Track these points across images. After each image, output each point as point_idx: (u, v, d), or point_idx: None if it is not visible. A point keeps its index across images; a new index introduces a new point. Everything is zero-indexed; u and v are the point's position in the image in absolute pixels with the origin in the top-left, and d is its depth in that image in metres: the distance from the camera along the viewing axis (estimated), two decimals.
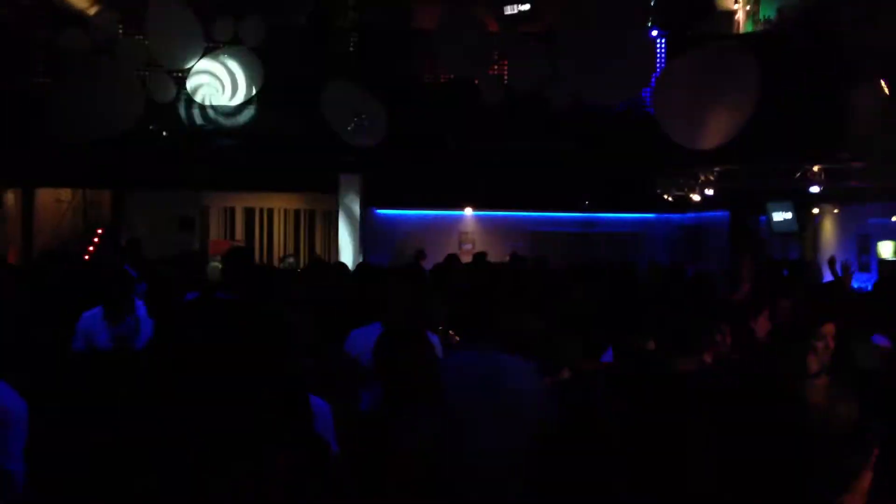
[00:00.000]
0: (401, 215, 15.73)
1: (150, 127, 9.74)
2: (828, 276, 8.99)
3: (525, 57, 9.89)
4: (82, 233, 15.43)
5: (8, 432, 3.50)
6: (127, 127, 9.81)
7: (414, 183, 13.30)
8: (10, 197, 14.52)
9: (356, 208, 12.52)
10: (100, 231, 15.33)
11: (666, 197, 11.52)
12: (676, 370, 3.42)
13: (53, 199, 15.30)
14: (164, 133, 9.66)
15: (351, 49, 10.32)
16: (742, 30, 12.39)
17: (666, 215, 15.79)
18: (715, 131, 10.24)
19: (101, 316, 5.30)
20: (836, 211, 12.98)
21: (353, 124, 9.15)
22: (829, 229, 13.36)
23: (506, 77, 10.06)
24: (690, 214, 15.12)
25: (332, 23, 10.51)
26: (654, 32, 10.75)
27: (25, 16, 10.79)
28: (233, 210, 15.97)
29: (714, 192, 10.88)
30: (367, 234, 13.80)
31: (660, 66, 10.49)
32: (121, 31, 9.92)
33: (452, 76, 10.38)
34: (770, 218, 13.25)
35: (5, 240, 13.98)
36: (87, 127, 9.69)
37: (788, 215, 12.70)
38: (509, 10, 11.43)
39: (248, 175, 13.00)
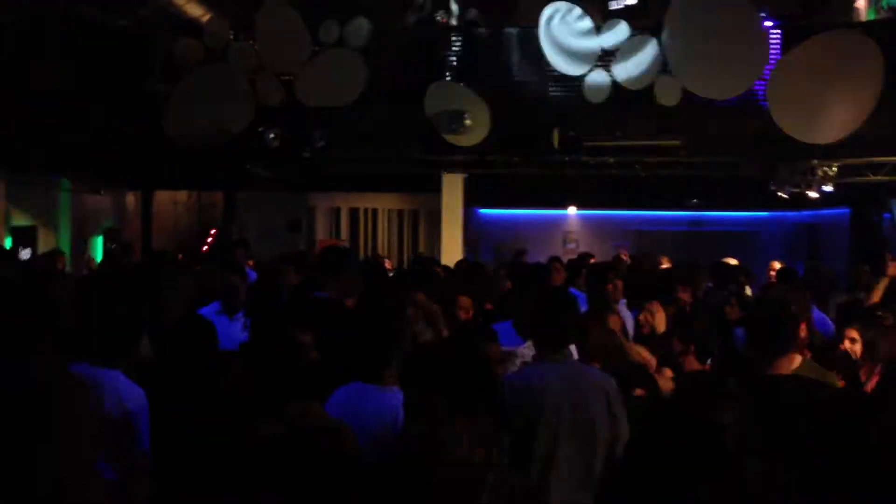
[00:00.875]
0: (504, 215, 15.68)
1: (260, 129, 9.99)
2: None
3: (632, 52, 9.67)
4: (197, 233, 16.03)
5: (131, 421, 3.65)
6: (239, 130, 10.12)
7: (517, 182, 13.20)
8: (131, 199, 15.23)
9: (459, 208, 12.52)
10: (213, 231, 15.88)
11: (781, 194, 11.03)
12: (770, 374, 3.31)
13: (170, 201, 15.96)
14: (273, 135, 9.88)
15: (456, 49, 10.32)
16: (864, 18, 11.76)
17: (782, 213, 15.16)
18: (833, 125, 9.76)
19: (217, 311, 5.51)
20: None
21: (456, 124, 9.15)
22: None
23: (612, 73, 9.85)
24: (808, 212, 14.47)
25: (436, 23, 10.54)
26: (769, 22, 10.31)
27: (144, 25, 11.27)
28: (338, 210, 16.26)
29: (833, 188, 10.35)
30: (471, 234, 13.79)
31: (774, 58, 10.08)
32: (232, 36, 10.23)
33: (556, 73, 10.23)
34: (894, 214, 12.55)
35: (126, 239, 14.65)
36: (201, 131, 10.05)
37: None
38: (614, 4, 11.18)
39: (352, 176, 13.21)
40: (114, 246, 13.09)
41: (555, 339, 3.64)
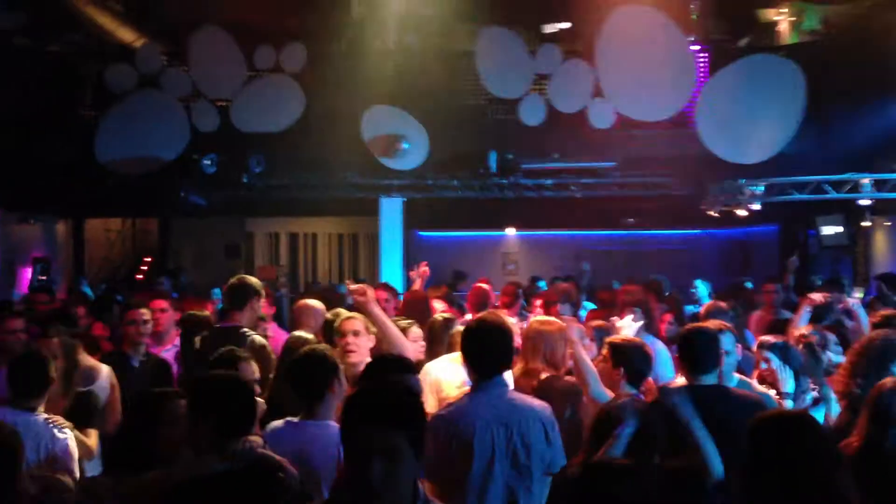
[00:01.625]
0: (444, 237, 15.74)
1: (195, 156, 9.88)
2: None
3: (566, 75, 9.85)
4: (131, 261, 15.73)
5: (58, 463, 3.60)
6: (173, 157, 9.99)
7: (456, 204, 13.29)
8: (61, 227, 14.86)
9: (398, 231, 12.55)
10: (148, 259, 15.60)
11: (711, 213, 11.33)
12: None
13: (103, 229, 15.63)
14: (209, 162, 9.79)
15: (391, 73, 10.37)
16: (786, 41, 12.20)
17: (713, 231, 15.56)
18: (760, 145, 10.10)
19: None
20: (887, 223, 12.66)
21: (393, 148, 9.19)
22: (881, 242, 13.03)
23: (546, 96, 10.02)
24: (738, 229, 14.88)
25: (371, 47, 10.58)
26: (696, 47, 10.63)
27: (75, 51, 11.07)
28: (277, 235, 16.14)
29: (760, 206, 10.68)
30: (410, 257, 13.81)
31: (701, 81, 10.38)
32: (165, 62, 10.11)
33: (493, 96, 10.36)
34: (819, 231, 12.97)
35: (57, 269, 14.28)
36: (134, 158, 9.89)
37: (839, 229, 12.42)
38: (549, 28, 11.40)
39: (291, 200, 13.12)
40: (44, 278, 12.75)
41: (488, 367, 3.61)
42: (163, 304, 6.17)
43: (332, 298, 7.31)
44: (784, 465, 2.62)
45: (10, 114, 10.11)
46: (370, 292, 4.50)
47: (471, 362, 3.64)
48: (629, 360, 4.11)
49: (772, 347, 4.48)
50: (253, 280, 5.38)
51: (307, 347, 3.86)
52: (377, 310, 4.49)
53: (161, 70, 9.98)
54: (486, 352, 3.60)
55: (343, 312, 4.84)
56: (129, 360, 5.41)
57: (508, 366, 3.80)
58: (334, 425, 3.36)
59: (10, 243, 13.04)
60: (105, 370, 5.00)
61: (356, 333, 4.40)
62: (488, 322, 3.77)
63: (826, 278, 9.65)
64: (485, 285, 7.72)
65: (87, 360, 4.93)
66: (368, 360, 4.23)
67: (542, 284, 10.87)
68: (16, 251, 13.29)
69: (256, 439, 3.09)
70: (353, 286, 4.56)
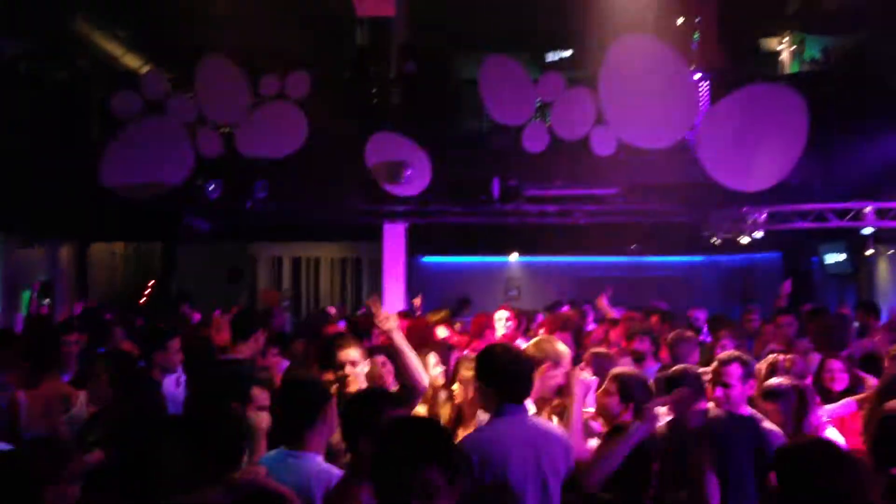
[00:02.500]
0: (447, 263, 15.75)
1: (199, 182, 9.93)
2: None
3: (568, 103, 9.90)
4: (135, 285, 15.73)
5: None
6: (177, 182, 10.04)
7: (459, 230, 13.32)
8: (65, 251, 14.90)
9: (401, 257, 12.56)
10: (152, 283, 15.61)
11: (714, 240, 11.35)
12: None
13: (107, 252, 15.66)
14: (213, 187, 9.83)
15: (394, 100, 10.45)
16: (787, 70, 12.28)
17: (715, 257, 15.56)
18: (762, 173, 10.13)
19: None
20: (890, 252, 12.65)
21: (397, 174, 9.24)
22: (884, 270, 13.01)
23: (549, 123, 10.07)
24: (741, 256, 14.88)
25: (374, 74, 10.67)
26: (698, 75, 10.70)
27: (82, 77, 11.17)
28: (280, 260, 16.15)
29: (763, 234, 10.69)
30: (414, 282, 13.81)
31: (703, 109, 10.43)
32: (171, 89, 10.19)
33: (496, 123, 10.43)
34: (822, 259, 12.97)
35: (61, 293, 14.30)
36: (138, 183, 9.95)
37: (842, 257, 12.42)
38: (551, 56, 11.49)
39: (294, 225, 13.17)
40: (46, 301, 12.76)
41: (520, 392, 3.64)
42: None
43: (322, 322, 7.34)
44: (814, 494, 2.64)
45: (15, 139, 10.20)
46: (394, 319, 4.30)
47: (500, 387, 3.61)
48: (634, 396, 4.12)
49: None
50: (258, 312, 5.44)
51: (297, 374, 3.86)
52: (399, 338, 4.29)
53: (166, 96, 10.05)
54: (520, 376, 3.62)
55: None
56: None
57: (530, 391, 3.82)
58: (318, 460, 3.37)
59: (12, 267, 13.06)
60: (82, 396, 4.98)
61: (353, 363, 4.37)
62: (514, 347, 3.89)
63: (833, 308, 9.66)
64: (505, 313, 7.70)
65: (64, 387, 4.96)
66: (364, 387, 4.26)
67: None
68: (19, 275, 13.31)
69: (258, 469, 3.09)
70: (382, 312, 4.29)
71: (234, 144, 9.99)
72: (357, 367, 4.39)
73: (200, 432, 3.05)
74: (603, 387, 4.27)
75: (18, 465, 2.80)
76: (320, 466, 3.35)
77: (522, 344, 6.86)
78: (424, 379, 4.33)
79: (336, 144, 10.08)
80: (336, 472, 3.27)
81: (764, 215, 10.10)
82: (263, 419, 3.85)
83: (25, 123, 10.40)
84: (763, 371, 4.93)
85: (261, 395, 3.89)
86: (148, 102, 10.01)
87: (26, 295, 13.72)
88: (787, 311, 7.87)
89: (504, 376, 3.62)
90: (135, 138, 9.92)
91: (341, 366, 4.39)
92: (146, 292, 15.48)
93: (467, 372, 4.32)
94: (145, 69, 11.29)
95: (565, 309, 9.98)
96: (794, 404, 4.20)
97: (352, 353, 4.43)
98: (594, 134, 9.89)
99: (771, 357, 5.14)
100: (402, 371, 4.30)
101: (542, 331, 7.30)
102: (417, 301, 10.44)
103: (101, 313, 9.55)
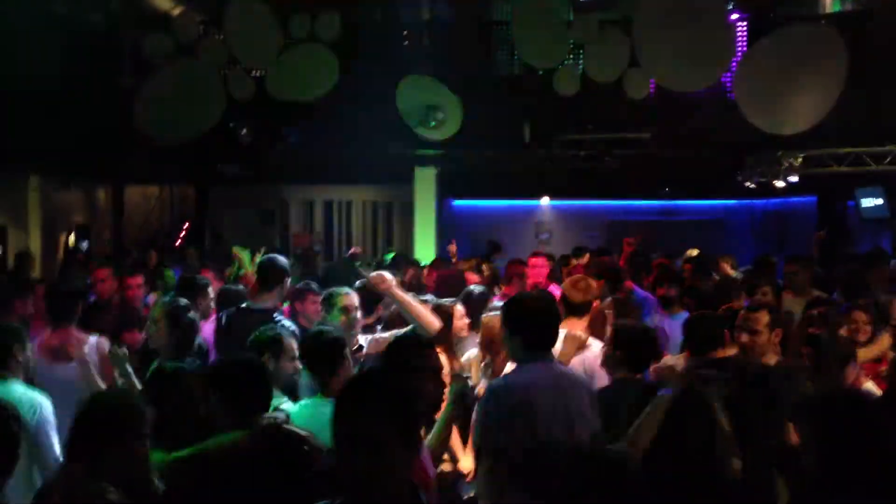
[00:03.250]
0: (477, 206, 15.75)
1: (231, 124, 9.96)
2: None
3: (602, 45, 9.73)
4: (169, 227, 15.96)
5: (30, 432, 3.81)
6: (209, 125, 10.08)
7: (490, 173, 13.29)
8: (102, 194, 15.12)
9: (432, 201, 12.59)
10: (186, 225, 15.82)
11: (748, 184, 11.22)
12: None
13: (142, 196, 15.87)
14: (244, 131, 9.87)
15: (426, 43, 10.34)
16: (828, 10, 11.94)
17: (749, 201, 15.38)
18: (799, 116, 9.92)
19: None
20: None
21: (427, 119, 9.19)
22: None
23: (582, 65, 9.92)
24: (775, 200, 14.69)
25: (406, 17, 10.55)
26: (735, 15, 10.45)
27: (113, 20, 11.17)
28: (312, 203, 16.26)
29: (798, 178, 10.54)
30: (444, 226, 13.86)
31: (741, 50, 10.20)
32: (202, 31, 10.16)
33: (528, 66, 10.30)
34: (859, 204, 12.78)
35: (98, 234, 14.57)
36: (171, 126, 9.99)
37: (879, 201, 12.22)
38: None
39: (326, 168, 13.21)
40: (84, 244, 13.01)
41: (549, 338, 3.70)
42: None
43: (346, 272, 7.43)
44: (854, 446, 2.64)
45: (49, 82, 10.27)
46: (388, 277, 4.53)
47: (529, 334, 3.66)
48: (631, 345, 4.14)
49: None
50: (283, 261, 5.50)
51: (317, 327, 4.00)
52: (400, 292, 4.54)
53: (198, 38, 10.02)
54: (545, 324, 3.67)
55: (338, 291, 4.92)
56: None
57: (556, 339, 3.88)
58: None
59: (50, 209, 13.30)
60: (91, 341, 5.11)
61: (356, 308, 4.72)
62: (539, 295, 3.91)
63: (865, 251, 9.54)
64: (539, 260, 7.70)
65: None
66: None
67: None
68: (56, 217, 13.56)
69: (279, 415, 3.19)
70: (373, 275, 4.63)
71: (266, 87, 9.98)
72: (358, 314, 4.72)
73: (229, 381, 3.17)
74: (606, 337, 4.34)
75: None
76: None
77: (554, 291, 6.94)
78: (434, 322, 4.45)
79: (367, 88, 10.03)
80: None
81: (800, 159, 9.93)
82: (290, 369, 4.02)
83: (59, 66, 10.46)
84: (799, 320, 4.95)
85: (292, 346, 4.04)
86: (179, 45, 9.99)
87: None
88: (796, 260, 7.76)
89: (528, 324, 3.67)
90: (166, 81, 9.93)
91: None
92: (181, 235, 15.70)
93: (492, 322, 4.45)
94: (176, 11, 11.23)
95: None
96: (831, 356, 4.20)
97: (354, 299, 4.78)
98: (628, 77, 9.74)
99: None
100: (412, 320, 4.46)
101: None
102: (453, 247, 10.48)
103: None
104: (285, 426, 3.01)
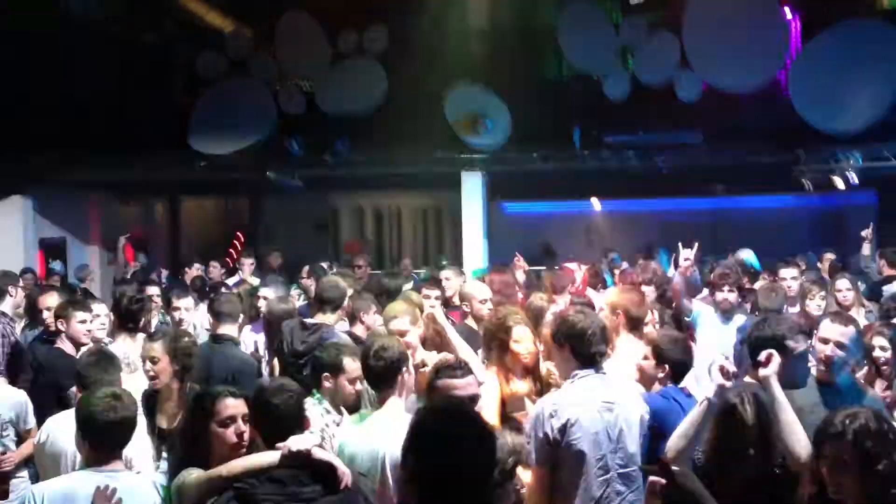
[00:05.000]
0: (527, 210, 15.69)
1: (283, 140, 10.12)
2: None
3: (651, 47, 9.66)
4: (224, 238, 16.22)
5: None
6: (262, 139, 10.27)
7: (539, 178, 13.22)
8: (160, 207, 15.45)
9: (480, 206, 12.57)
10: (240, 235, 16.07)
11: (806, 184, 11.00)
12: None
13: (198, 206, 16.17)
14: (296, 144, 10.01)
15: (473, 51, 10.36)
16: (885, 5, 11.64)
17: (807, 198, 15.05)
18: (855, 114, 9.71)
19: None
20: None
21: (476, 128, 9.21)
22: None
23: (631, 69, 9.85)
24: (834, 197, 14.35)
25: (453, 25, 10.57)
26: (788, 12, 10.25)
27: (168, 39, 11.42)
28: (362, 211, 16.38)
29: (857, 176, 10.30)
30: (494, 230, 13.83)
31: (794, 48, 10.02)
32: (253, 47, 10.35)
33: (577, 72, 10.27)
34: None
35: (156, 246, 14.88)
36: (225, 141, 10.20)
37: None
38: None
39: (375, 176, 13.29)
40: (143, 254, 13.28)
41: (591, 355, 3.70)
42: None
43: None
44: None
45: (108, 100, 10.55)
46: (439, 318, 4.63)
47: (581, 349, 3.70)
48: (669, 358, 4.07)
49: None
50: (343, 285, 5.58)
51: (380, 342, 3.99)
52: (452, 335, 4.56)
53: (249, 55, 10.21)
54: (591, 338, 3.68)
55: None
56: None
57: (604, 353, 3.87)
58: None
59: (111, 224, 13.62)
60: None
61: (402, 335, 4.57)
62: (585, 311, 3.97)
63: None
64: (572, 266, 7.69)
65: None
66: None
67: (617, 258, 10.79)
68: (118, 231, 13.88)
69: (313, 438, 3.22)
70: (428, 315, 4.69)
71: (316, 101, 10.12)
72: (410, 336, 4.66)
73: (264, 404, 3.23)
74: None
75: None
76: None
77: (595, 296, 6.90)
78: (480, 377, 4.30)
79: (416, 97, 10.09)
80: None
81: (859, 159, 9.71)
82: (350, 389, 4.09)
83: (117, 85, 10.73)
84: None
85: (352, 367, 4.06)
86: (231, 61, 10.19)
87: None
88: None
89: (576, 340, 3.69)
90: (220, 98, 10.14)
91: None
92: (235, 243, 15.95)
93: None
94: (229, 28, 11.45)
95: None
96: None
97: (404, 323, 4.74)
98: (678, 79, 9.64)
99: None
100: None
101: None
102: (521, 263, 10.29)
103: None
104: (315, 453, 3.06)
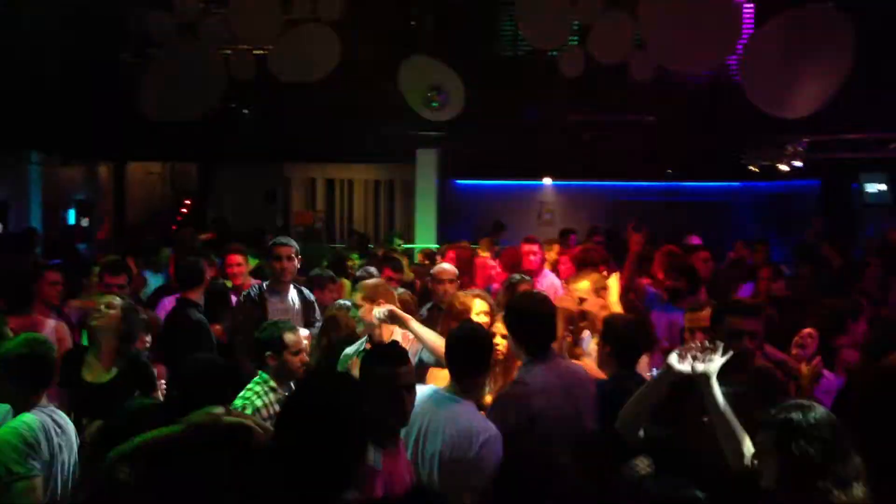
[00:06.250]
0: (479, 186, 15.69)
1: (232, 105, 9.92)
2: None
3: (606, 27, 9.64)
4: (171, 204, 15.95)
5: None
6: (211, 105, 10.03)
7: (493, 154, 13.23)
8: (104, 170, 15.09)
9: (433, 182, 12.54)
10: (188, 202, 15.80)
11: (752, 168, 11.16)
12: None
13: (144, 172, 15.84)
14: (246, 111, 9.83)
15: (429, 22, 10.25)
16: None
17: (752, 183, 15.31)
18: (805, 99, 9.84)
19: None
20: None
21: (429, 100, 9.14)
22: None
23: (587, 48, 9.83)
24: (779, 183, 14.62)
25: None
26: None
27: None
28: (314, 181, 16.22)
29: (803, 162, 10.48)
30: (446, 205, 13.81)
31: (747, 33, 10.09)
32: (203, 9, 10.08)
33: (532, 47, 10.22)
34: (862, 188, 12.72)
35: (100, 212, 14.56)
36: (173, 105, 9.94)
37: (882, 187, 12.18)
38: None
39: (327, 147, 13.16)
40: (86, 219, 13.00)
41: (541, 341, 3.71)
42: (239, 258, 6.83)
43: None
44: None
45: (51, 58, 10.22)
46: (396, 311, 4.42)
47: (526, 337, 3.71)
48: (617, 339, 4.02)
49: None
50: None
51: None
52: (413, 324, 4.43)
53: (199, 17, 9.94)
54: (540, 325, 3.71)
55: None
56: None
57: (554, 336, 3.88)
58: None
59: (52, 186, 13.27)
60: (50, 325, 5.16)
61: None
62: (534, 296, 4.02)
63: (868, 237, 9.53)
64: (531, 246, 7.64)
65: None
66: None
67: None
68: (58, 194, 13.54)
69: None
70: (381, 311, 4.40)
71: (268, 66, 9.91)
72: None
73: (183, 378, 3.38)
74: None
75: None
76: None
77: (548, 276, 6.92)
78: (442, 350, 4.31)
79: (369, 68, 9.96)
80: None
81: (804, 144, 9.87)
82: (296, 361, 4.17)
83: (60, 43, 10.40)
84: None
85: (292, 339, 4.15)
86: (181, 23, 9.91)
87: (71, 213, 13.95)
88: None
89: (526, 327, 3.72)
90: (169, 60, 9.87)
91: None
92: (182, 211, 15.69)
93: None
94: None
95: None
96: None
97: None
98: (632, 58, 9.65)
99: None
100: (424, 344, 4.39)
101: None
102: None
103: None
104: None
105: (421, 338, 4.33)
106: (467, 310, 4.65)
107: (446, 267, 6.08)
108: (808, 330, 4.69)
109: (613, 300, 4.93)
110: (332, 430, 2.29)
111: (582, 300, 4.66)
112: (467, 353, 3.61)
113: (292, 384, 4.11)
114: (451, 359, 3.66)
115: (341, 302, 5.26)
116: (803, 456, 2.56)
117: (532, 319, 3.69)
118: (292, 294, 5.73)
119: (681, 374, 3.06)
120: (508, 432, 3.47)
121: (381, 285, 4.70)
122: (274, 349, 4.11)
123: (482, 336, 3.73)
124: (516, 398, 3.62)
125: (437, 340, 4.27)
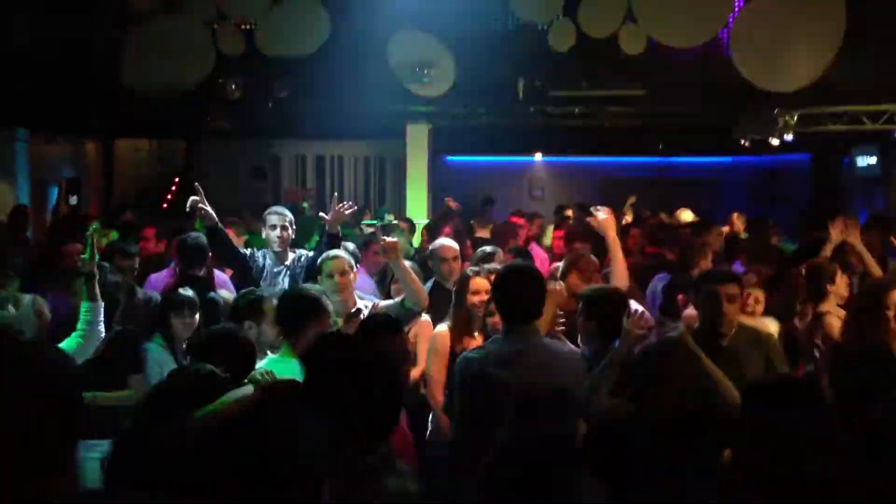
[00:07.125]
0: (470, 162, 15.65)
1: (220, 80, 9.82)
2: None
3: (597, 1, 9.56)
4: (159, 181, 15.82)
5: None
6: (197, 80, 9.92)
7: (483, 129, 13.16)
8: (91, 148, 14.95)
9: (424, 158, 12.48)
10: (176, 179, 15.68)
11: (743, 142, 11.14)
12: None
13: (131, 149, 15.70)
14: (234, 86, 9.72)
15: None
16: None
17: (744, 158, 15.31)
18: (795, 73, 9.81)
19: None
20: None
21: (419, 74, 9.06)
22: None
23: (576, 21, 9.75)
24: (769, 157, 14.63)
25: None
26: None
27: None
28: (304, 158, 16.12)
29: (794, 136, 10.47)
30: (437, 181, 13.77)
31: (738, 5, 10.04)
32: None
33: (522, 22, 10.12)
34: (853, 162, 12.75)
35: (88, 189, 14.44)
36: (158, 80, 9.83)
37: (873, 160, 12.20)
38: None
39: (318, 123, 13.06)
40: (74, 197, 12.87)
41: (520, 314, 3.66)
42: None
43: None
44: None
45: (36, 34, 10.07)
46: (399, 246, 4.61)
47: (507, 308, 3.70)
48: (598, 312, 3.95)
49: None
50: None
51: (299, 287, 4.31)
52: (403, 263, 4.58)
53: None
54: (525, 297, 3.65)
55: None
56: None
57: (541, 312, 3.80)
58: None
59: (38, 163, 13.14)
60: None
61: (343, 273, 4.62)
62: (523, 268, 3.91)
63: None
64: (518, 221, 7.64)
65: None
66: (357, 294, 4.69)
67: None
68: (44, 171, 13.40)
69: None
70: (388, 241, 4.55)
71: (256, 42, 9.80)
72: (346, 277, 4.67)
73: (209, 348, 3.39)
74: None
75: None
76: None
77: (534, 248, 6.92)
78: (425, 298, 4.65)
79: (359, 42, 9.86)
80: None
81: (795, 117, 9.85)
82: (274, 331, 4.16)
83: (46, 19, 10.25)
84: None
85: (273, 307, 4.21)
86: None
87: (54, 191, 13.85)
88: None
89: (510, 298, 3.68)
90: (154, 35, 9.75)
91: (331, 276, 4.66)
92: (172, 188, 15.57)
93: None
94: None
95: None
96: None
97: (343, 264, 4.71)
98: (623, 32, 9.59)
99: None
100: (408, 290, 4.56)
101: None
102: (453, 203, 10.37)
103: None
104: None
105: (414, 283, 4.57)
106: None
107: (448, 243, 5.90)
108: None
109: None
110: (382, 380, 2.45)
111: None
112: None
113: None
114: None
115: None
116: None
117: (506, 290, 3.69)
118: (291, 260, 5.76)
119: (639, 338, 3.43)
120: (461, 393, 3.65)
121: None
122: (254, 318, 4.28)
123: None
124: (469, 361, 3.66)
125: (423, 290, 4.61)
